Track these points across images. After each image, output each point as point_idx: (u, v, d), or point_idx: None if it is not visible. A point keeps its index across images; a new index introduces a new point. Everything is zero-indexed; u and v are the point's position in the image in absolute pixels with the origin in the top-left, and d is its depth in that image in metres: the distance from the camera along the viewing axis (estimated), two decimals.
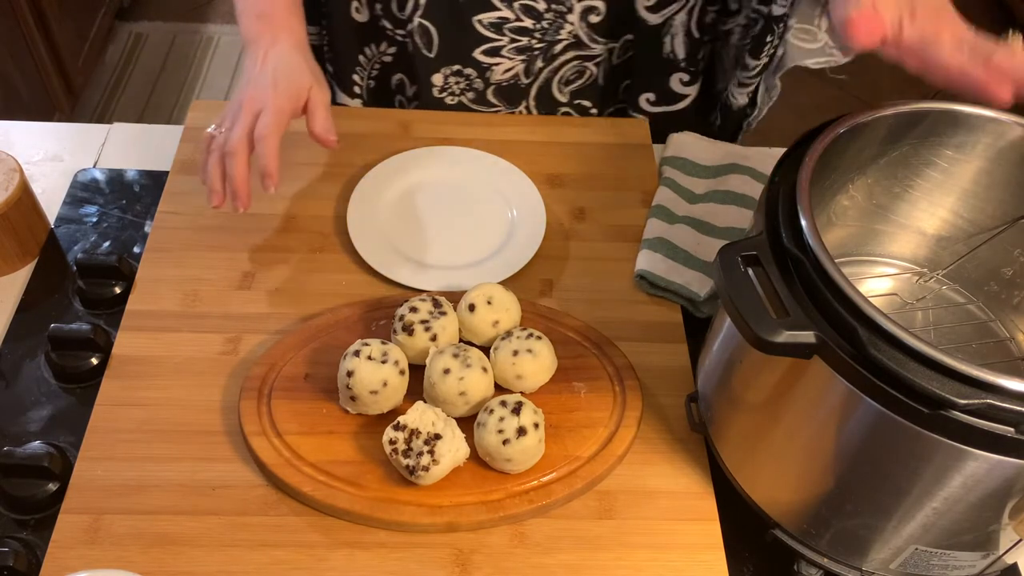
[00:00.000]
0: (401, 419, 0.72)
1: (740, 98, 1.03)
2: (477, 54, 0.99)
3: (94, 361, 0.80)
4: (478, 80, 1.01)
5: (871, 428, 0.58)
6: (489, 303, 0.80)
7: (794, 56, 0.98)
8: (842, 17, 0.79)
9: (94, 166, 0.98)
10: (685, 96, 1.05)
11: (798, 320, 0.57)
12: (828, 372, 0.57)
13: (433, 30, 0.97)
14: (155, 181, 0.96)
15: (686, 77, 1.03)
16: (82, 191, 0.95)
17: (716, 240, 0.91)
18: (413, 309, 0.79)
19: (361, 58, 1.05)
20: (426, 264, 0.89)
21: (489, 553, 0.71)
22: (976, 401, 0.52)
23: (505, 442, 0.71)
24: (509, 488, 0.73)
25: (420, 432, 0.71)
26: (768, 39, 0.96)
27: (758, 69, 1.00)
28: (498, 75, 1.01)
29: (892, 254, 0.80)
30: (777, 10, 0.94)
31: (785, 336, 0.56)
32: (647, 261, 0.88)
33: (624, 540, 0.72)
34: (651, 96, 1.05)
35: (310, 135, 0.85)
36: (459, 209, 0.94)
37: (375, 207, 0.92)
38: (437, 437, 0.71)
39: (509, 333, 0.79)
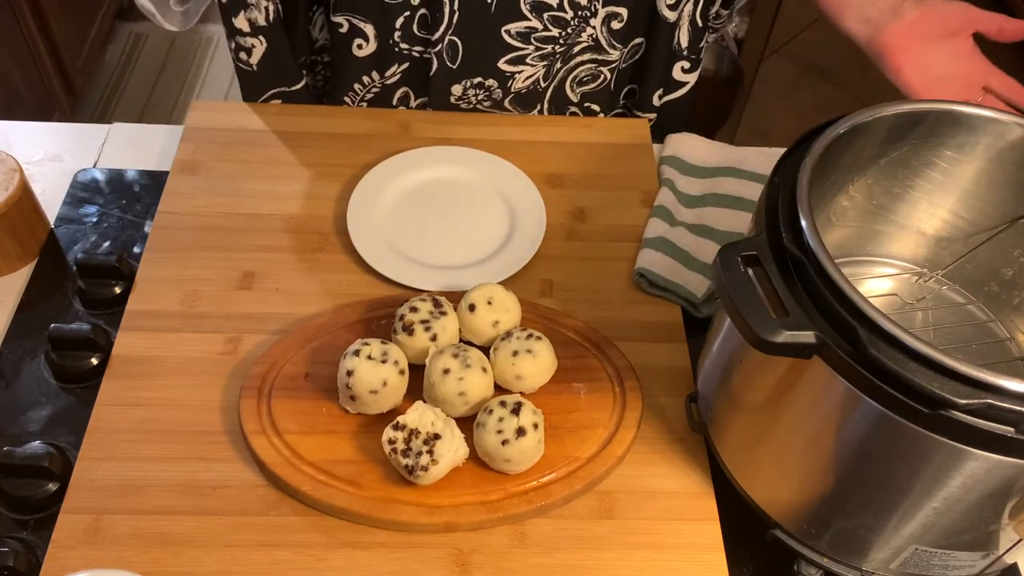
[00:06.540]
0: (400, 419, 0.72)
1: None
2: (501, 63, 0.98)
3: (94, 361, 0.80)
4: (498, 90, 1.01)
5: (871, 428, 0.58)
6: (489, 303, 0.80)
7: None
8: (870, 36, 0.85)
9: (94, 166, 0.98)
10: (684, 84, 1.06)
11: (798, 320, 0.57)
12: (828, 372, 0.57)
13: (460, 44, 0.96)
14: (155, 181, 0.96)
15: (687, 65, 1.04)
16: (82, 191, 0.95)
17: (716, 243, 0.90)
18: (413, 309, 0.79)
19: (356, 86, 1.03)
20: (426, 264, 0.89)
21: (489, 553, 0.71)
22: (976, 401, 0.52)
23: (504, 442, 0.71)
24: (508, 488, 0.73)
25: (419, 432, 0.71)
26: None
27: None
28: (519, 83, 1.01)
29: (892, 254, 0.80)
30: None
31: (785, 336, 0.56)
32: (648, 260, 0.88)
33: (624, 540, 0.72)
34: (661, 92, 1.05)
35: None
36: (459, 209, 0.94)
37: (375, 207, 0.92)
38: (436, 437, 0.71)
39: (509, 333, 0.79)
